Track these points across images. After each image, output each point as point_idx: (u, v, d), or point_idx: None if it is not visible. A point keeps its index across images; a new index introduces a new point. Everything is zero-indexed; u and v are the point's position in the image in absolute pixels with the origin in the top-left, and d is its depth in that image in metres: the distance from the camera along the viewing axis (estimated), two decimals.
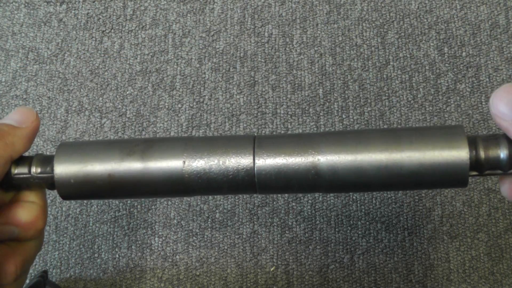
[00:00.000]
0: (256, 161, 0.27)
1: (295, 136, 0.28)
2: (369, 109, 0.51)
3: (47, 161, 0.30)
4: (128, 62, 0.54)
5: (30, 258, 0.30)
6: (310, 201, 0.49)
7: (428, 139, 0.26)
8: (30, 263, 0.31)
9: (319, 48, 0.53)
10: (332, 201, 0.49)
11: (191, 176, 0.28)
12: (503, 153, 0.25)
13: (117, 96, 0.53)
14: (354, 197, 0.49)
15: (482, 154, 0.25)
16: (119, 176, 0.28)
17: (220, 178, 0.28)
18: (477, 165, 0.25)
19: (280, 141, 0.28)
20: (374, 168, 0.26)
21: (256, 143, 0.28)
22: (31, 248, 0.30)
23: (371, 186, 0.27)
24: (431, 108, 0.50)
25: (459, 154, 0.25)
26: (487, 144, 0.25)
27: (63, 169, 0.29)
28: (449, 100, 0.50)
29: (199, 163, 0.27)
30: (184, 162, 0.27)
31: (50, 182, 0.30)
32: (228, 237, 0.49)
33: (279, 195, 0.49)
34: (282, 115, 0.51)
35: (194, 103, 0.52)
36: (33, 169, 0.29)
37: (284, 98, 0.52)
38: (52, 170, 0.29)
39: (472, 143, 0.26)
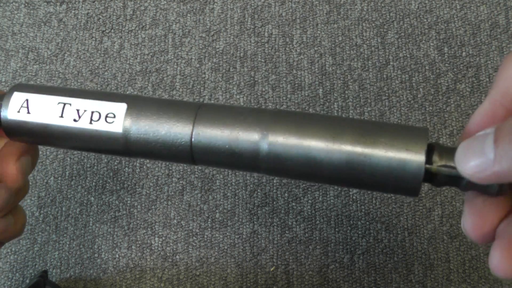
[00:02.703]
0: (195, 129, 0.26)
1: (241, 109, 0.27)
2: (369, 109, 0.51)
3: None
4: (128, 62, 0.54)
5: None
6: (310, 201, 0.49)
7: (384, 136, 0.23)
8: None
9: (319, 48, 0.53)
10: (332, 201, 0.49)
11: (131, 138, 0.27)
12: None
13: None
14: (354, 197, 0.49)
15: (437, 162, 0.23)
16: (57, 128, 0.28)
17: (159, 145, 0.27)
18: (432, 176, 0.23)
19: (224, 113, 0.26)
20: (322, 156, 0.24)
21: (199, 110, 0.27)
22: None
23: (314, 176, 0.25)
24: (431, 108, 0.50)
25: (416, 156, 0.22)
26: (445, 152, 0.23)
27: (14, 97, 0.29)
28: (449, 100, 0.50)
29: (140, 126, 0.27)
30: (127, 124, 0.27)
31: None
32: (228, 237, 0.49)
33: (279, 195, 0.49)
34: None
35: None
36: None
37: (284, 98, 0.52)
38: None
39: (431, 149, 0.23)
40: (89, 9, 0.56)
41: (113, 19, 0.56)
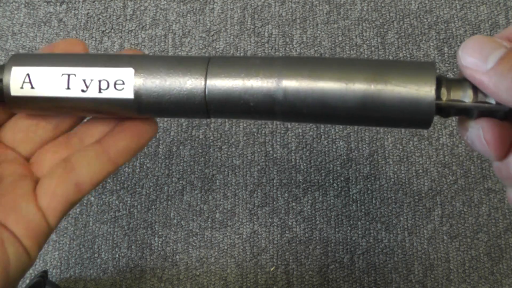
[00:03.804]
0: (208, 82, 0.26)
1: (252, 59, 0.27)
2: None
3: None
4: None
5: None
6: (310, 201, 0.49)
7: (395, 74, 0.24)
8: None
9: (319, 48, 0.53)
10: (332, 201, 0.49)
11: (144, 101, 0.27)
12: (467, 98, 0.24)
13: None
14: (354, 197, 0.49)
15: (445, 95, 0.24)
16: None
17: (172, 103, 0.27)
18: (441, 109, 0.24)
19: (235, 63, 0.26)
20: (336, 97, 0.25)
21: (210, 64, 0.27)
22: None
23: (330, 117, 0.26)
24: None
25: (427, 91, 0.23)
26: (452, 86, 0.24)
27: (15, 70, 0.27)
28: None
29: (151, 88, 0.26)
30: (140, 80, 0.27)
31: None
32: (228, 237, 0.49)
33: (279, 195, 0.49)
34: None
35: None
36: None
37: None
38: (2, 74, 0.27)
39: (439, 82, 0.25)
40: (89, 9, 0.56)
41: (113, 19, 0.56)
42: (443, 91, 0.24)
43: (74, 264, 0.49)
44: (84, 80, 0.27)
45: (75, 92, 0.27)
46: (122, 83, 0.27)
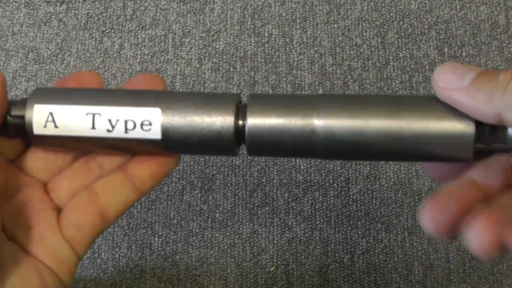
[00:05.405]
0: (240, 122, 0.25)
1: (290, 96, 0.26)
2: None
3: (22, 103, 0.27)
4: (128, 62, 0.54)
5: None
6: (310, 201, 0.49)
7: (431, 107, 0.24)
8: None
9: (319, 48, 0.53)
10: (332, 201, 0.49)
11: (171, 140, 0.26)
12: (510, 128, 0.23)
13: None
14: (354, 197, 0.49)
15: (488, 126, 0.24)
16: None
17: (201, 142, 0.26)
18: (483, 137, 0.24)
19: (273, 100, 0.26)
20: (375, 134, 0.24)
21: (244, 102, 0.26)
22: None
23: (370, 153, 0.25)
24: None
25: (465, 124, 0.23)
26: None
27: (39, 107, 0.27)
28: None
29: (178, 127, 0.26)
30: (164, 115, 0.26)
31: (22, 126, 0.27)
32: (228, 237, 0.49)
33: (279, 195, 0.49)
34: None
35: None
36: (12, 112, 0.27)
37: None
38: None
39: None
40: (89, 9, 0.56)
41: (113, 19, 0.56)
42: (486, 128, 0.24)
43: None
44: (109, 120, 0.26)
45: (100, 132, 0.26)
46: (149, 123, 0.26)
